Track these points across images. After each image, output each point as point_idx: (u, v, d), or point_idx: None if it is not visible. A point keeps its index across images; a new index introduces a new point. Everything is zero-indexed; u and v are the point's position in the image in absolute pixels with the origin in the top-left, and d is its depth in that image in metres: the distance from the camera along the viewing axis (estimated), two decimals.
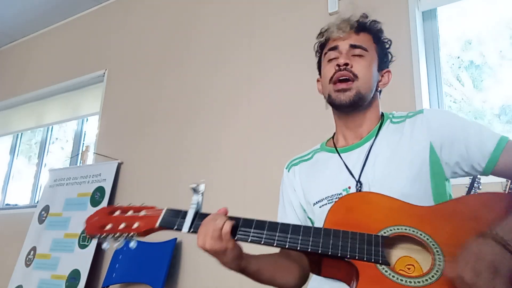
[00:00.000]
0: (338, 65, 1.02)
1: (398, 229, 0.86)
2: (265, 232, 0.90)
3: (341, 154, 1.05)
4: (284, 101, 2.34)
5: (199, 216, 0.94)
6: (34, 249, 3.00)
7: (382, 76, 1.10)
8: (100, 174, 2.94)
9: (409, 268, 0.83)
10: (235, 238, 0.90)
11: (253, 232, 0.90)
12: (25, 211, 3.47)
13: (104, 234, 0.98)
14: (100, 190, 2.87)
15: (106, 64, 3.39)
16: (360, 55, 1.04)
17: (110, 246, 0.97)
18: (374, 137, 1.03)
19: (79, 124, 3.68)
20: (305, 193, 1.08)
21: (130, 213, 1.02)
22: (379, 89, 1.09)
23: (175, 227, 0.94)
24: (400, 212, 0.88)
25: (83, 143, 3.61)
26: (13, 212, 3.76)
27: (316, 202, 1.03)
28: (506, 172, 0.93)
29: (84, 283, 2.57)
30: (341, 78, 1.01)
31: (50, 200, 3.12)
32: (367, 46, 1.06)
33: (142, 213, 1.01)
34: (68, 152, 3.69)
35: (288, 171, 1.16)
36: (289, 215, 1.11)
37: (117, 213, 1.03)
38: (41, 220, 3.09)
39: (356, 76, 1.01)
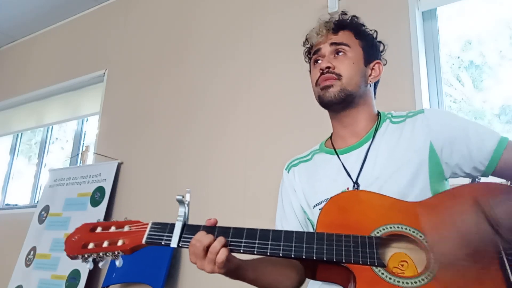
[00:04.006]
0: (321, 69, 1.03)
1: (391, 227, 0.86)
2: (257, 241, 0.88)
3: (340, 156, 1.05)
4: (284, 101, 2.34)
5: (187, 228, 0.92)
6: (34, 249, 3.00)
7: (372, 69, 1.08)
8: (100, 174, 2.94)
9: (402, 265, 0.83)
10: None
11: (244, 243, 0.89)
12: (25, 211, 3.46)
13: (87, 254, 0.93)
14: (100, 190, 2.87)
15: (106, 64, 3.39)
16: (343, 52, 1.04)
17: (94, 267, 0.92)
18: (372, 138, 1.03)
19: (79, 124, 3.67)
20: (305, 195, 1.07)
21: (112, 229, 0.96)
22: (370, 83, 1.08)
23: (163, 242, 0.91)
24: (393, 209, 0.88)
25: (83, 143, 3.60)
26: (13, 212, 3.76)
27: (316, 205, 1.03)
28: (506, 173, 0.93)
29: (84, 283, 2.57)
30: (324, 81, 1.03)
31: (50, 200, 3.12)
32: (348, 43, 1.06)
33: (126, 228, 0.95)
34: (68, 152, 3.69)
35: (288, 172, 1.15)
36: (289, 217, 1.10)
37: (99, 229, 0.97)
38: (41, 220, 3.09)
39: (339, 75, 1.02)
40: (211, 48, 2.77)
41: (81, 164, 3.28)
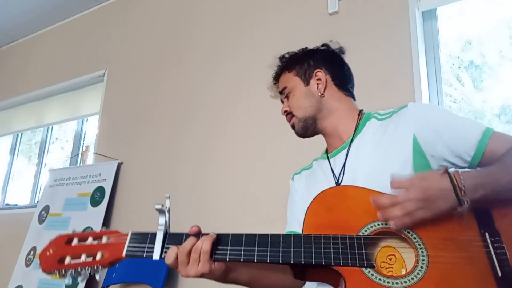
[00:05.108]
0: (284, 115, 1.18)
1: (379, 225, 0.85)
2: (243, 247, 0.85)
3: (330, 159, 1.10)
4: None
5: (169, 238, 0.88)
6: (34, 249, 3.00)
7: (317, 80, 1.13)
8: (100, 174, 2.94)
9: (390, 259, 0.83)
10: (212, 259, 0.85)
11: (230, 250, 0.85)
12: (25, 211, 3.47)
13: (64, 270, 0.88)
14: (100, 190, 2.87)
15: (106, 64, 3.39)
16: (288, 93, 1.16)
17: (73, 281, 0.89)
18: (352, 138, 1.06)
19: (79, 124, 3.68)
20: (303, 199, 1.09)
21: (89, 240, 0.91)
22: (321, 93, 1.11)
23: (144, 254, 0.86)
24: None
25: (83, 143, 3.61)
26: (13, 212, 3.76)
27: None
28: (492, 163, 0.91)
29: (84, 283, 2.57)
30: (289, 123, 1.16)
31: (50, 200, 3.12)
32: (285, 83, 1.17)
33: (104, 239, 0.90)
34: (68, 152, 3.69)
35: (293, 180, 1.21)
36: (301, 220, 1.11)
37: (75, 242, 0.91)
38: (41, 220, 3.09)
39: (291, 112, 1.14)
40: (211, 48, 2.77)
41: (81, 164, 3.28)
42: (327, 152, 1.14)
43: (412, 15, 2.03)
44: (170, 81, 2.92)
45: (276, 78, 1.23)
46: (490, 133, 0.92)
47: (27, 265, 2.96)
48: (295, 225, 1.10)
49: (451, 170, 0.81)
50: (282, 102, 1.20)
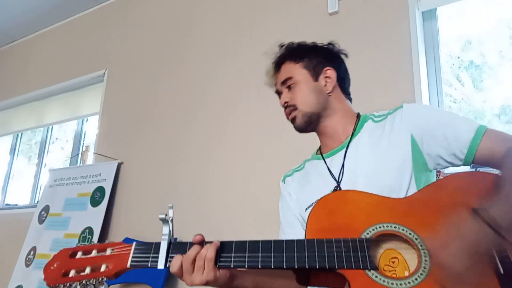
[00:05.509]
0: (282, 106, 1.13)
1: (380, 227, 0.85)
2: (247, 254, 0.86)
3: (326, 160, 1.09)
4: None
5: (173, 247, 0.89)
6: (34, 249, 3.00)
7: (325, 78, 1.11)
8: (100, 174, 2.94)
9: (393, 262, 0.83)
10: (217, 266, 0.86)
11: (234, 257, 0.87)
12: (25, 211, 3.47)
13: (68, 283, 0.89)
14: (100, 190, 2.87)
15: (106, 64, 3.39)
16: (291, 83, 1.11)
17: None
18: (350, 139, 1.06)
19: (79, 124, 3.68)
20: (299, 200, 1.10)
21: (94, 253, 0.92)
22: (328, 91, 1.10)
23: (149, 264, 0.88)
24: (381, 208, 0.88)
25: (83, 143, 3.61)
26: (13, 212, 3.76)
27: (308, 207, 1.04)
28: (487, 161, 0.93)
29: None
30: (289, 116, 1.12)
31: (50, 200, 3.12)
32: (291, 73, 1.12)
33: (108, 251, 0.91)
34: (68, 152, 3.69)
35: (284, 183, 1.19)
36: (293, 224, 1.11)
37: (79, 255, 0.92)
38: (41, 220, 3.09)
39: (295, 105, 1.10)
40: (211, 48, 2.77)
41: (81, 164, 3.28)
42: (321, 152, 1.13)
43: (412, 15, 2.03)
44: (170, 81, 2.92)
45: (278, 65, 1.17)
46: (483, 131, 0.93)
47: (27, 265, 2.96)
48: (295, 224, 1.10)
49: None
50: (277, 92, 1.17)
